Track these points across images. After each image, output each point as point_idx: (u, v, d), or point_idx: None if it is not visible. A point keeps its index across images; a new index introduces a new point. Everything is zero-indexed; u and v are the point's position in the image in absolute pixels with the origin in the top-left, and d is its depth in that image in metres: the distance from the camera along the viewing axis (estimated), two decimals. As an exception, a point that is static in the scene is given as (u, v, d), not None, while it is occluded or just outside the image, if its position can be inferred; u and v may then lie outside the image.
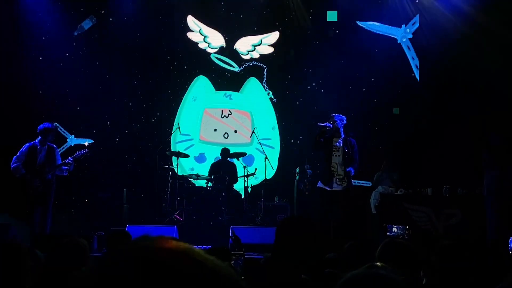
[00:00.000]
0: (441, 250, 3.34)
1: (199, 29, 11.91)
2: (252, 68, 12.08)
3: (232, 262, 4.49)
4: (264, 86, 12.07)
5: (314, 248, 2.89)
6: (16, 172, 8.46)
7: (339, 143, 8.48)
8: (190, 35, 11.92)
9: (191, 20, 11.90)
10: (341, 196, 8.41)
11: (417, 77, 11.61)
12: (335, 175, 8.38)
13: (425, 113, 11.43)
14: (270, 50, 12.02)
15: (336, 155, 8.44)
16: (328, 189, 8.39)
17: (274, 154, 11.83)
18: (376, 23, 11.52)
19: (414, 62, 11.61)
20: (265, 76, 12.04)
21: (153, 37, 11.68)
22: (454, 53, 11.13)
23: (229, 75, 12.12)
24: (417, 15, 11.45)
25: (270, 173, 11.30)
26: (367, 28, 11.55)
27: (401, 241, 3.67)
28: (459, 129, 10.88)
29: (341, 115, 8.73)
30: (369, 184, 11.05)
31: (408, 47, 11.56)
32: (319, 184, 8.59)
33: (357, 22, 11.51)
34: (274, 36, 11.96)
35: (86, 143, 10.72)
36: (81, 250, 3.24)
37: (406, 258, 3.38)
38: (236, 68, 12.04)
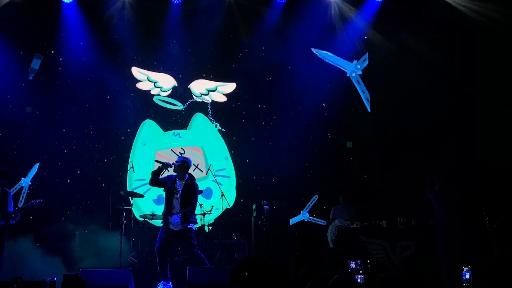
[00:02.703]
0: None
1: (146, 76, 11.91)
2: (196, 104, 12.08)
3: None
4: (210, 119, 12.08)
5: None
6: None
7: (180, 187, 8.48)
8: (139, 85, 11.90)
9: (136, 71, 11.89)
10: (181, 234, 8.34)
11: (368, 109, 11.82)
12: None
13: (377, 145, 11.63)
14: (223, 99, 12.07)
15: (175, 198, 8.42)
16: (170, 227, 8.37)
17: (230, 183, 11.85)
18: (329, 53, 11.72)
19: (365, 95, 11.83)
20: (209, 109, 12.06)
21: (103, 75, 11.60)
22: (402, 88, 11.42)
23: (177, 115, 12.09)
24: (367, 54, 11.73)
25: (230, 202, 11.37)
26: (320, 56, 11.73)
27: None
28: (411, 161, 11.10)
29: (187, 157, 8.78)
30: (323, 222, 11.15)
31: (358, 82, 11.79)
32: (162, 223, 8.54)
33: (312, 49, 11.69)
34: (230, 86, 12.05)
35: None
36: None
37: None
38: (180, 107, 12.04)
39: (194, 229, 8.50)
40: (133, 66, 11.87)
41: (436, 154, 10.50)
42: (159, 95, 11.96)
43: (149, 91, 11.94)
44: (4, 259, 8.41)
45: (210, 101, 12.06)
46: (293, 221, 11.25)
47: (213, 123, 12.09)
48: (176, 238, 8.44)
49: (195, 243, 8.51)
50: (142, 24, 11.77)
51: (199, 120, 12.14)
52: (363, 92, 11.77)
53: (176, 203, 8.38)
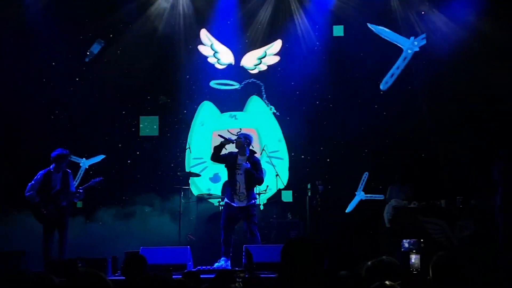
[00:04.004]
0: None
1: (210, 43, 12.03)
2: (253, 85, 12.16)
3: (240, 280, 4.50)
4: (265, 102, 12.14)
5: (320, 269, 2.90)
6: (30, 200, 8.51)
7: (243, 162, 8.44)
8: (201, 48, 12.05)
9: (204, 34, 12.01)
10: (244, 211, 8.40)
11: (381, 85, 11.41)
12: (237, 193, 8.38)
13: (436, 124, 11.38)
14: (276, 59, 12.06)
15: (238, 174, 8.41)
16: (234, 204, 8.43)
17: (284, 165, 11.93)
18: (385, 29, 11.44)
19: (395, 70, 11.36)
20: (263, 93, 12.14)
21: (161, 58, 11.79)
22: (461, 66, 11.06)
23: (233, 98, 12.22)
24: (425, 34, 11.37)
25: (281, 185, 11.42)
26: (376, 32, 11.45)
27: (386, 259, 3.70)
28: (471, 139, 10.82)
29: (248, 134, 8.75)
30: (381, 197, 11.01)
31: (405, 58, 11.38)
32: (226, 200, 8.61)
33: (368, 24, 11.45)
34: (277, 45, 12.03)
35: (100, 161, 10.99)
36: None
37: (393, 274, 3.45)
38: (237, 86, 12.14)
39: (257, 204, 8.57)
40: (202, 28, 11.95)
41: (496, 133, 10.18)
42: (213, 65, 12.09)
43: (207, 57, 12.07)
44: (68, 238, 8.73)
45: (266, 67, 12.08)
46: (351, 206, 11.13)
47: (268, 106, 12.15)
48: (240, 214, 8.52)
49: (256, 221, 8.58)
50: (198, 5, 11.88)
51: (254, 102, 12.26)
52: (398, 68, 11.33)
53: (240, 178, 8.44)
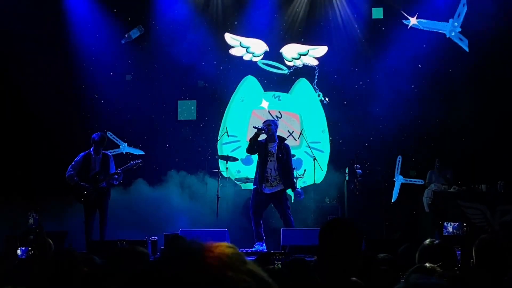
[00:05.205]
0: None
1: (238, 42, 11.90)
2: (302, 69, 11.99)
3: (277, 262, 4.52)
4: (314, 88, 11.92)
5: (358, 250, 2.88)
6: (70, 181, 8.73)
7: (274, 149, 8.47)
8: (232, 51, 11.91)
9: (228, 37, 11.88)
10: (275, 197, 8.53)
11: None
12: (268, 179, 8.45)
13: (476, 107, 11.15)
14: (315, 62, 11.85)
15: (271, 160, 8.47)
16: (264, 191, 8.53)
17: (323, 158, 11.58)
18: (423, 20, 11.24)
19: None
20: (316, 77, 11.90)
21: (199, 42, 11.81)
22: (504, 41, 10.76)
23: (276, 77, 12.07)
24: (461, 2, 11.09)
25: (320, 176, 11.25)
26: (414, 26, 11.30)
27: (439, 243, 3.66)
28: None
29: (275, 120, 8.73)
30: (421, 182, 10.87)
31: (461, 39, 11.18)
32: (254, 186, 8.72)
33: (404, 21, 11.28)
34: (321, 50, 11.81)
35: (138, 155, 11.09)
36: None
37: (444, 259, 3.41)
38: (285, 71, 11.94)
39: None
40: (226, 32, 11.90)
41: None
42: (251, 60, 12.01)
43: (242, 56, 12.01)
44: (108, 220, 8.90)
45: (302, 65, 11.93)
46: (394, 195, 10.98)
47: (316, 92, 11.90)
48: (270, 200, 8.60)
49: (289, 205, 8.65)
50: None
51: (302, 85, 11.93)
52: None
53: (272, 166, 8.50)
